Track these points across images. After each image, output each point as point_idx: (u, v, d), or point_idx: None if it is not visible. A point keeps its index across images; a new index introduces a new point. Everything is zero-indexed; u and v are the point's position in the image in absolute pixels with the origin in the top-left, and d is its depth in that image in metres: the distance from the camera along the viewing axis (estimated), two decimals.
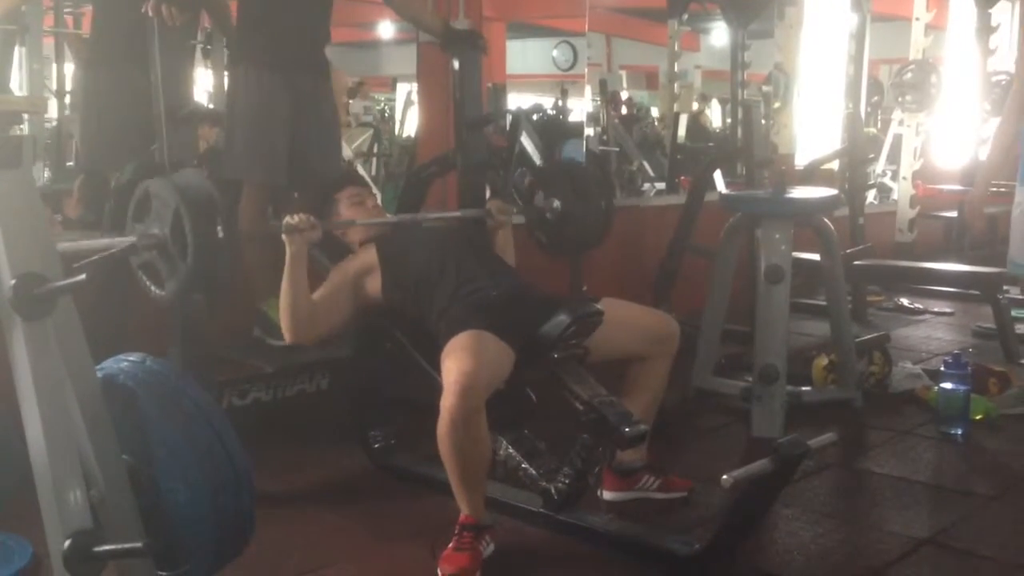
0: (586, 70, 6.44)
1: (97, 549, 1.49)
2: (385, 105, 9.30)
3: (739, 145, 4.85)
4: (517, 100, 8.72)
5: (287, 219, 2.63)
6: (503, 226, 2.99)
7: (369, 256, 2.80)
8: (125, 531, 1.66)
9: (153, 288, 2.11)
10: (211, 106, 5.35)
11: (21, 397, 1.52)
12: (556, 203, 3.21)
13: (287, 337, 2.69)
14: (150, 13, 2.55)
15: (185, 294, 2.13)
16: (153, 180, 2.12)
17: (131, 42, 2.78)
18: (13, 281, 1.46)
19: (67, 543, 1.49)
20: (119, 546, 1.52)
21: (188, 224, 1.98)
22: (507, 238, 3.00)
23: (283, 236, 2.61)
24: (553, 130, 6.70)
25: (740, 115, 4.75)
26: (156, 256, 2.07)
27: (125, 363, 1.78)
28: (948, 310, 5.55)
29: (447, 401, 2.28)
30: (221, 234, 2.03)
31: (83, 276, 1.49)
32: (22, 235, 1.51)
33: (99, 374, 1.73)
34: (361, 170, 7.22)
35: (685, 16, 6.90)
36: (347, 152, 6.69)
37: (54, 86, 6.20)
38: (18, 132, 1.82)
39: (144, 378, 1.74)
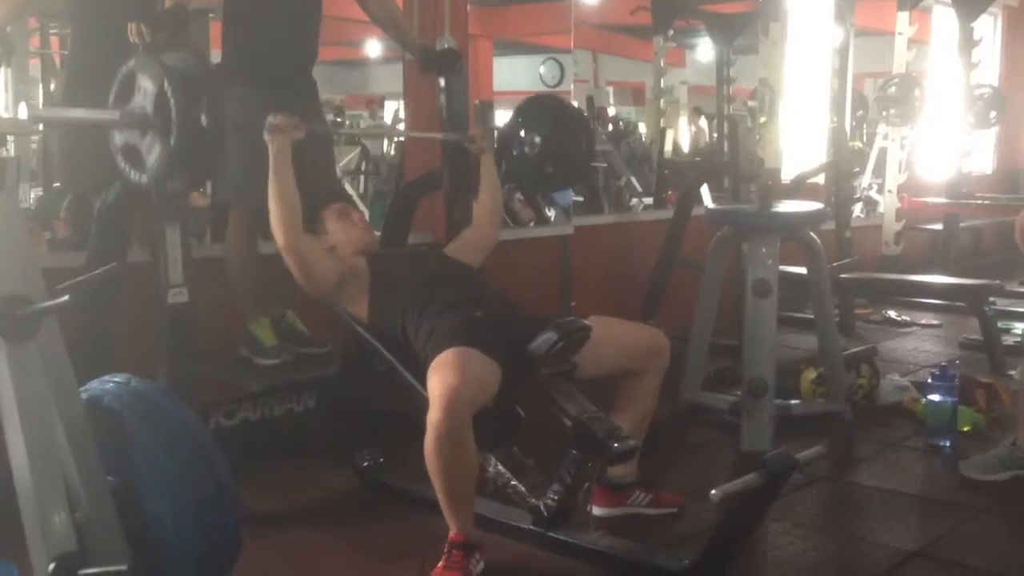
0: (572, 87, 6.44)
1: (82, 572, 1.48)
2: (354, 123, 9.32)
3: (725, 160, 4.88)
4: (505, 117, 8.74)
5: (270, 119, 2.70)
6: (484, 151, 3.09)
7: (360, 265, 2.81)
8: (110, 553, 1.65)
9: (133, 172, 2.04)
10: None
11: (4, 419, 1.51)
12: (536, 138, 3.20)
13: (279, 240, 2.70)
14: (131, 37, 2.55)
15: (166, 176, 2.05)
16: (138, 58, 2.06)
17: (110, 62, 2.78)
18: None
19: (52, 566, 1.48)
20: (103, 569, 1.51)
21: (173, 103, 1.92)
22: (489, 165, 3.09)
23: (265, 135, 2.69)
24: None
25: (726, 130, 4.77)
26: (138, 136, 2.00)
27: (110, 384, 1.78)
28: (935, 322, 5.57)
29: (433, 416, 2.27)
30: (205, 116, 1.97)
31: (67, 298, 1.49)
32: (5, 256, 1.51)
33: (84, 396, 1.72)
34: (349, 188, 7.22)
35: (671, 32, 6.93)
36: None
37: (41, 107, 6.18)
38: (3, 154, 1.80)
39: (129, 399, 1.74)
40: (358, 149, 8.11)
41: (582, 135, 3.31)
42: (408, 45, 3.57)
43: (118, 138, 2.01)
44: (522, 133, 3.23)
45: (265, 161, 3.17)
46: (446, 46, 3.38)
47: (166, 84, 1.89)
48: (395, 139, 8.33)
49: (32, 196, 5.29)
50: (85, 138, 3.14)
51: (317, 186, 3.27)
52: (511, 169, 3.26)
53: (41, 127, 4.44)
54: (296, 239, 2.71)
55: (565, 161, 3.24)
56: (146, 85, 1.92)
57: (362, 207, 6.65)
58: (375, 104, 10.95)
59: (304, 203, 3.13)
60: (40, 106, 6.20)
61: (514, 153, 3.22)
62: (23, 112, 5.57)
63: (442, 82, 3.35)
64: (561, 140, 3.20)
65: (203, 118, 1.93)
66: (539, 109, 3.38)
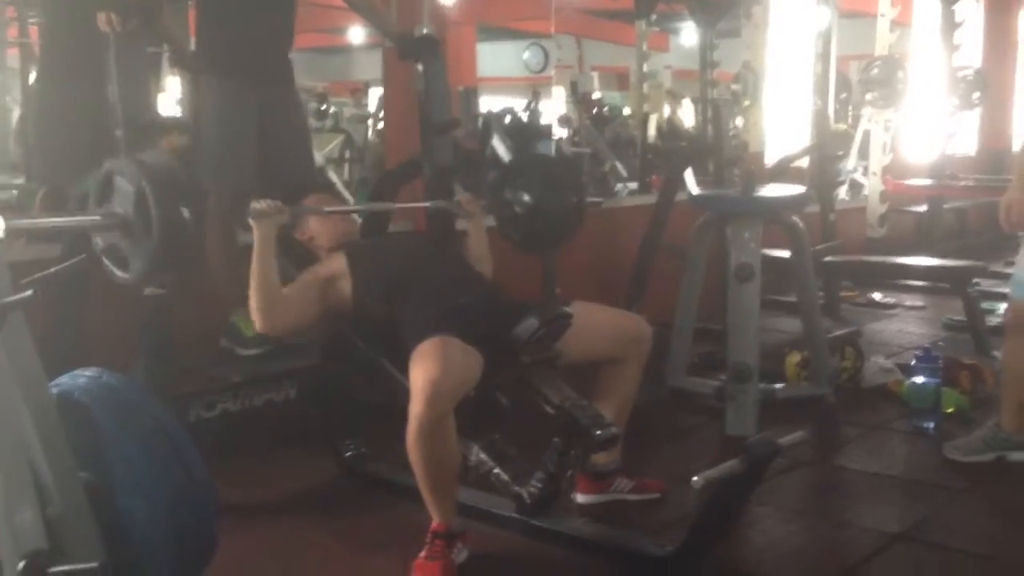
0: (553, 72, 6.41)
1: (52, 570, 1.46)
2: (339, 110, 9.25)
3: (709, 144, 4.85)
4: (490, 103, 8.71)
5: (254, 204, 2.62)
6: (472, 217, 2.97)
7: (338, 263, 2.77)
8: (84, 549, 1.62)
9: (118, 272, 2.04)
10: (179, 115, 5.30)
11: None
12: (526, 196, 3.15)
13: (258, 324, 2.64)
14: (101, 26, 2.51)
15: (151, 275, 2.05)
16: (115, 159, 2.05)
17: (83, 52, 2.74)
18: None
19: (21, 564, 1.46)
20: (74, 567, 1.48)
21: (152, 201, 1.91)
22: (479, 230, 2.97)
23: (250, 220, 2.60)
24: (524, 133, 6.69)
25: (710, 114, 4.74)
26: (119, 237, 2.01)
27: (81, 379, 1.75)
28: (920, 304, 5.57)
29: (414, 408, 2.25)
30: (186, 212, 1.97)
31: (30, 292, 1.46)
32: None
33: (54, 390, 1.69)
34: (333, 176, 7.18)
35: (653, 17, 6.88)
36: (318, 158, 6.65)
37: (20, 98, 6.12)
38: None
39: (100, 394, 1.71)
40: (341, 137, 8.08)
41: (572, 194, 3.27)
42: (386, 31, 3.54)
43: (100, 240, 2.01)
44: (511, 191, 3.15)
45: (243, 147, 3.15)
46: (424, 32, 3.35)
47: (144, 184, 1.89)
48: (377, 126, 8.32)
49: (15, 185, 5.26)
50: (59, 129, 3.11)
51: (293, 173, 3.24)
52: (500, 226, 3.20)
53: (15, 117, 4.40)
54: (274, 323, 2.64)
55: (555, 220, 3.20)
56: (124, 186, 1.92)
57: (346, 195, 6.63)
58: (360, 92, 10.89)
59: (281, 190, 3.11)
60: (18, 96, 6.14)
61: (503, 213, 3.15)
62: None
63: (420, 68, 3.31)
64: (551, 199, 3.16)
65: (184, 214, 1.92)
66: (530, 167, 3.33)
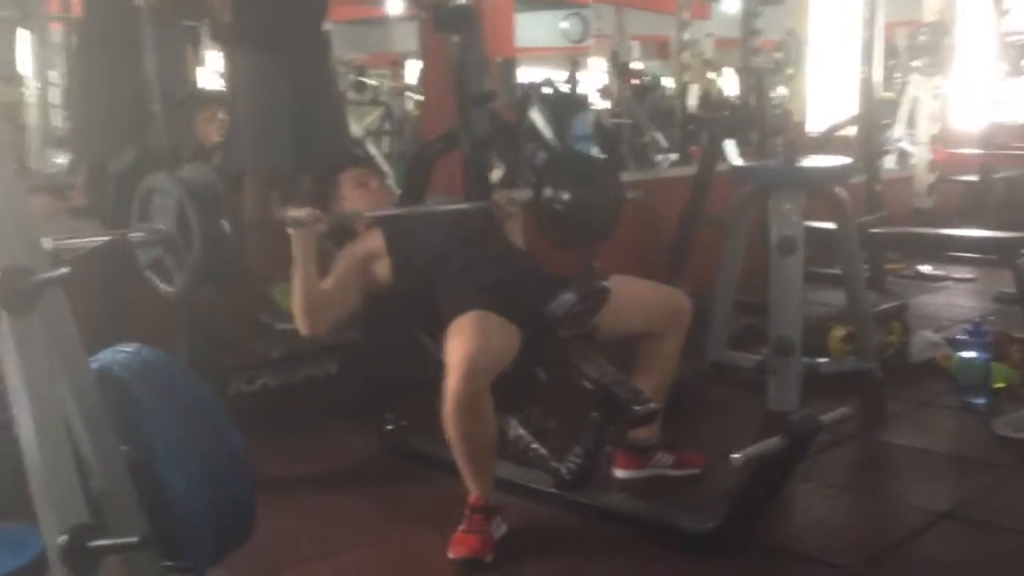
0: (591, 41, 6.34)
1: (93, 544, 1.47)
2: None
3: (751, 113, 4.78)
4: (529, 74, 8.63)
5: (292, 212, 2.59)
6: (511, 217, 2.92)
7: (375, 240, 2.76)
8: (127, 522, 1.64)
9: (162, 285, 2.09)
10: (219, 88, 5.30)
11: (10, 392, 1.50)
12: (565, 195, 3.14)
13: (302, 330, 2.64)
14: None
15: (194, 289, 2.10)
16: (155, 175, 2.09)
17: (121, 24, 2.74)
18: None
19: (63, 538, 1.47)
20: (116, 541, 1.49)
21: (193, 217, 1.95)
22: (516, 228, 2.92)
23: (289, 230, 2.57)
24: (564, 105, 6.62)
25: (752, 83, 4.67)
26: (163, 252, 2.06)
27: (120, 354, 1.76)
28: (970, 276, 5.45)
29: (451, 383, 2.24)
30: (227, 226, 1.99)
31: (67, 269, 1.46)
32: (5, 228, 1.48)
33: (94, 366, 1.70)
34: (372, 148, 7.18)
35: None
36: (358, 131, 6.65)
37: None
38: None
39: (139, 369, 1.72)
40: (381, 109, 8.07)
41: (610, 192, 3.25)
42: (420, 2, 3.51)
43: (143, 255, 2.05)
44: (551, 190, 3.14)
45: (277, 121, 3.13)
46: (460, 1, 3.31)
47: (184, 199, 1.92)
48: (416, 98, 8.29)
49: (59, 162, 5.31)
50: (97, 104, 3.13)
51: (328, 146, 3.23)
52: (540, 224, 3.19)
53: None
54: (319, 326, 2.62)
55: (593, 218, 3.19)
56: (165, 202, 1.95)
57: (385, 167, 6.63)
58: (398, 64, 10.86)
59: (317, 163, 3.10)
60: (64, 73, 6.18)
61: (543, 211, 3.14)
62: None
63: (456, 39, 3.28)
64: (589, 198, 3.15)
65: (225, 227, 1.94)
66: (570, 165, 3.31)
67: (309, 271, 2.58)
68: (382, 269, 2.71)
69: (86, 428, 1.62)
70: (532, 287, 2.55)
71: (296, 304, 2.60)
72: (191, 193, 1.95)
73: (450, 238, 2.71)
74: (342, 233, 2.87)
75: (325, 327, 2.66)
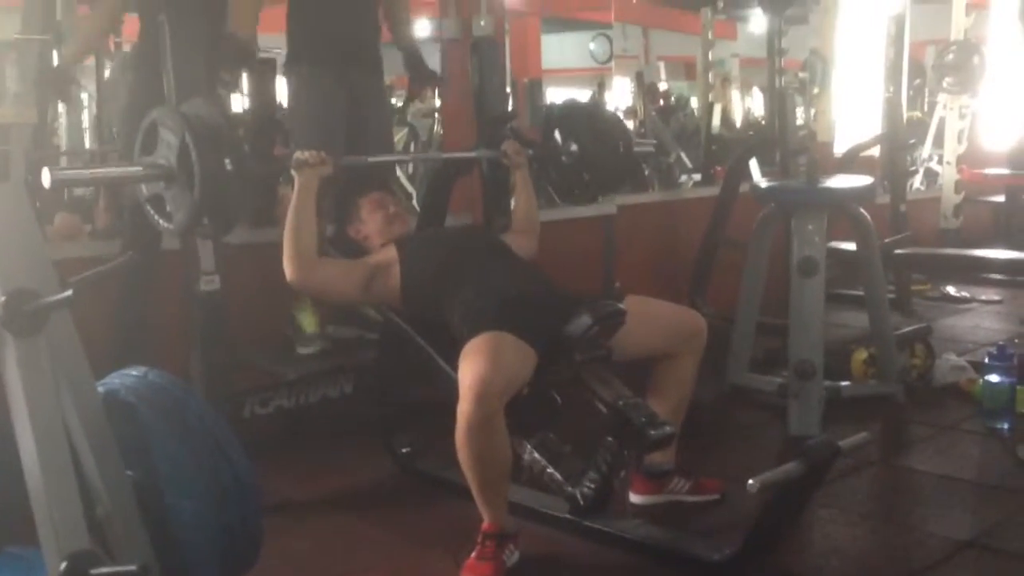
0: (613, 62, 6.33)
1: (94, 572, 1.46)
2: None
3: (775, 133, 4.74)
4: (556, 94, 8.64)
5: (297, 154, 2.63)
6: (519, 167, 3.00)
7: (389, 253, 2.76)
8: (131, 548, 1.63)
9: (162, 221, 2.05)
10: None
11: (14, 415, 1.49)
12: (573, 145, 3.10)
13: (287, 274, 2.61)
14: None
15: (193, 225, 2.06)
16: (158, 109, 2.07)
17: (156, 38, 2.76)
18: (2, 297, 1.44)
19: (63, 565, 1.46)
20: (115, 568, 1.48)
21: (195, 152, 1.92)
22: (525, 180, 3.01)
23: (292, 171, 2.61)
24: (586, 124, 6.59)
25: (776, 103, 4.63)
26: (163, 187, 2.03)
27: (128, 378, 1.76)
28: (996, 298, 5.37)
29: (463, 407, 2.22)
30: (228, 163, 1.97)
31: (69, 292, 1.46)
32: (12, 250, 1.48)
33: (101, 389, 1.70)
34: (397, 169, 7.20)
35: (720, 4, 6.77)
36: None
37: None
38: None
39: (146, 392, 1.72)
40: (406, 129, 8.10)
41: (619, 141, 3.20)
42: (398, 40, 3.56)
43: (144, 189, 2.03)
44: (558, 141, 3.13)
45: (333, 134, 3.18)
46: (482, 29, 3.33)
47: (187, 136, 1.89)
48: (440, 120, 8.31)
49: None
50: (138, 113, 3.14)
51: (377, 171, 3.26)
52: (549, 177, 3.18)
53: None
54: (304, 275, 2.61)
55: (602, 168, 3.15)
56: (168, 137, 1.93)
57: (410, 188, 6.64)
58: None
59: (363, 180, 3.10)
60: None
61: (550, 165, 3.14)
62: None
63: (475, 61, 3.29)
64: (597, 147, 3.11)
65: (227, 165, 1.92)
66: (574, 116, 3.29)
67: (307, 211, 2.59)
68: (391, 280, 2.71)
69: (92, 452, 1.62)
70: (548, 307, 2.52)
71: (287, 245, 2.60)
72: (193, 128, 1.92)
73: (463, 256, 2.70)
74: (357, 251, 2.87)
75: (308, 278, 2.63)
